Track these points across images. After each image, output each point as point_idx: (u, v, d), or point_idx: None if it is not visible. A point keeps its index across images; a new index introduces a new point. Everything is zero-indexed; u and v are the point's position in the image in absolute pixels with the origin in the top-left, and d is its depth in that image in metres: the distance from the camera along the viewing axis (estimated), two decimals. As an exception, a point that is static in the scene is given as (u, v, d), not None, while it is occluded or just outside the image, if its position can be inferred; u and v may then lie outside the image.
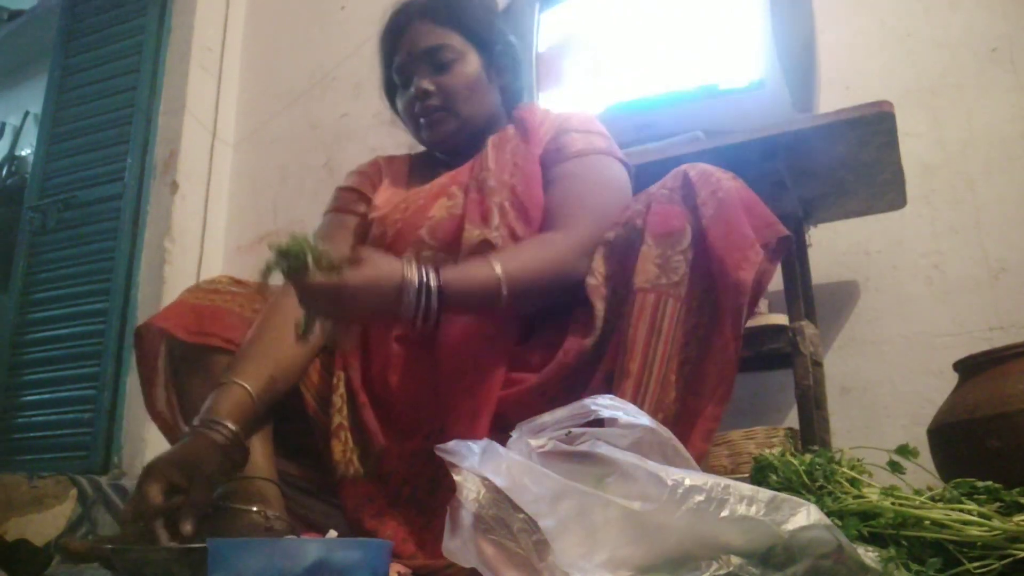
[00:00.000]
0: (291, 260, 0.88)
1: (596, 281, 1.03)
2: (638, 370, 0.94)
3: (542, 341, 1.09)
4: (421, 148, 1.36)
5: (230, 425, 0.97)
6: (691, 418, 0.96)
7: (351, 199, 1.30)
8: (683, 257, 0.97)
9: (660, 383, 0.95)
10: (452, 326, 1.06)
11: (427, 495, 1.07)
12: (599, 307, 1.02)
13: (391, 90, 1.33)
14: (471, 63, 1.25)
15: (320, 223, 1.31)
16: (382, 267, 0.93)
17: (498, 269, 0.98)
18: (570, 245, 1.06)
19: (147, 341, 1.15)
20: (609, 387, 0.96)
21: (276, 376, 1.05)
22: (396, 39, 1.28)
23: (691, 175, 1.01)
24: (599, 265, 1.04)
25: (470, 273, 0.99)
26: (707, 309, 0.97)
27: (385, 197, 1.27)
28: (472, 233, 1.11)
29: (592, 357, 1.01)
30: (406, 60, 1.25)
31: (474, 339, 1.06)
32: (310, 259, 0.88)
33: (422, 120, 1.25)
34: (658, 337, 0.95)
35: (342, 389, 1.12)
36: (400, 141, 1.40)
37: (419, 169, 1.33)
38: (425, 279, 0.94)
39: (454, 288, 0.96)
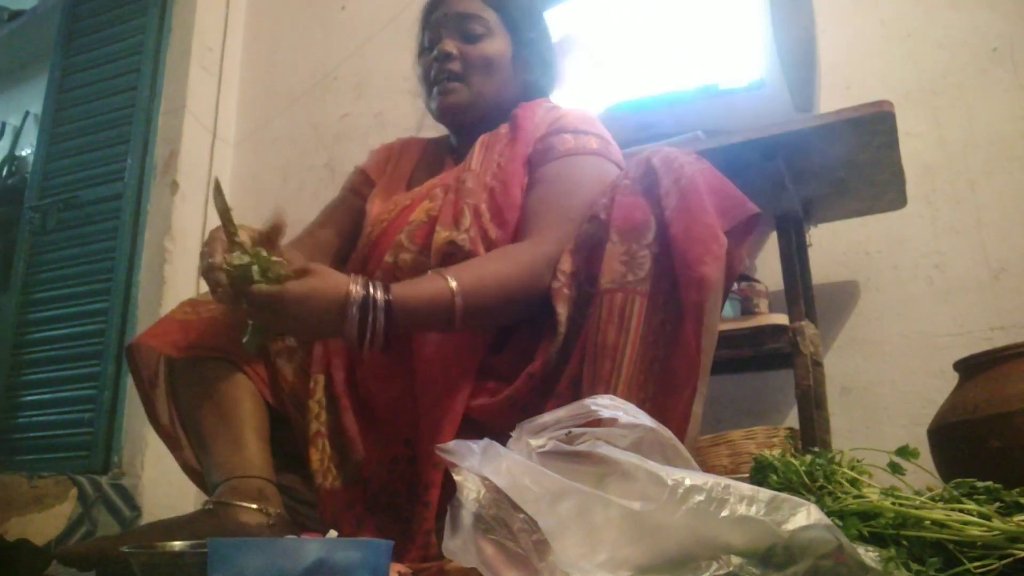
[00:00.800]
0: (236, 271, 0.89)
1: (559, 282, 1.00)
2: (607, 374, 0.91)
3: (516, 350, 1.07)
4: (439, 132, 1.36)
5: None
6: (662, 416, 0.91)
7: (360, 181, 1.34)
8: (648, 252, 0.93)
9: (628, 383, 0.91)
10: (428, 336, 1.05)
11: (406, 502, 1.06)
12: (562, 312, 0.99)
13: (421, 55, 1.33)
14: (500, 44, 1.25)
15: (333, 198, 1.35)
16: (327, 280, 0.91)
17: (452, 283, 0.95)
18: (537, 257, 1.02)
19: (141, 357, 1.15)
20: (575, 392, 0.94)
21: None
22: (438, 2, 1.29)
23: (654, 162, 0.98)
24: (564, 262, 1.01)
25: (422, 287, 0.95)
26: (673, 305, 0.93)
27: (383, 195, 1.27)
28: (441, 235, 1.09)
29: (558, 361, 0.99)
30: (440, 18, 1.27)
31: (447, 350, 1.04)
32: (255, 270, 0.88)
33: (435, 88, 1.25)
34: (626, 337, 0.92)
35: (320, 394, 1.11)
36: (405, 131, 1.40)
37: (429, 159, 1.33)
38: (371, 293, 0.90)
39: (403, 303, 0.92)
